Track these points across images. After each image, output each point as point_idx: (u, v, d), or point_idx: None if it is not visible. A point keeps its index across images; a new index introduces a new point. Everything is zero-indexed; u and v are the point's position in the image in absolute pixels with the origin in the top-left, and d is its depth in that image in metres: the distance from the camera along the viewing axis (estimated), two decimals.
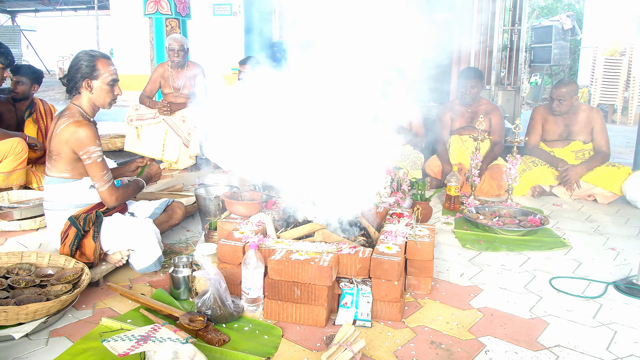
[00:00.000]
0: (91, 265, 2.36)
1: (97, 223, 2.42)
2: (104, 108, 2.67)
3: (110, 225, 2.46)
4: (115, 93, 2.62)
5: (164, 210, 2.86)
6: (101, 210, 2.50)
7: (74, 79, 2.52)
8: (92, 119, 2.60)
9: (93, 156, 2.42)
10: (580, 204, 3.98)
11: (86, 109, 2.57)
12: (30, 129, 4.10)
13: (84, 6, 21.47)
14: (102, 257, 2.45)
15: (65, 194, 2.52)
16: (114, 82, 2.59)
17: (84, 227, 2.38)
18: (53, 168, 2.51)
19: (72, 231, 2.38)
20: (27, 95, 4.08)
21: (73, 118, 2.45)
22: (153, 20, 6.24)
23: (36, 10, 23.05)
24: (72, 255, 2.36)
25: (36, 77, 4.09)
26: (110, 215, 2.52)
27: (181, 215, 2.96)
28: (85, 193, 2.54)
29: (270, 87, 2.75)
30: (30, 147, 3.75)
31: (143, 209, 2.81)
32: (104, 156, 2.54)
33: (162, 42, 6.19)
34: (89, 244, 2.38)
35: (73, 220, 2.40)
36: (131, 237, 2.44)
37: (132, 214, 2.73)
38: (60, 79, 2.61)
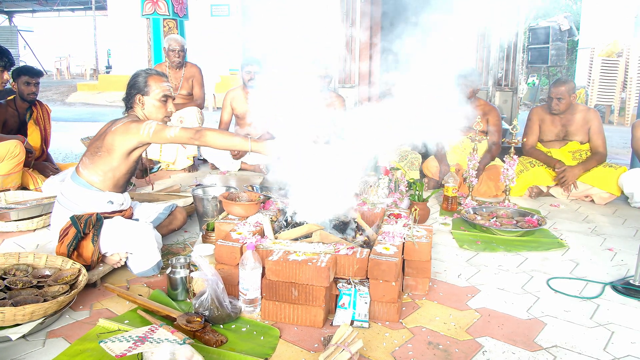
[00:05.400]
0: (88, 268, 2.33)
1: (98, 226, 2.40)
2: None
3: (110, 228, 2.44)
4: (169, 109, 2.67)
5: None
6: (103, 214, 2.49)
7: (128, 95, 2.63)
8: None
9: (152, 124, 2.47)
10: (577, 205, 3.99)
11: None
12: (33, 131, 4.09)
13: (82, 7, 21.47)
14: (100, 260, 2.43)
15: (83, 199, 2.53)
16: (166, 98, 2.64)
17: (84, 229, 2.36)
18: (91, 165, 2.53)
19: (72, 231, 2.36)
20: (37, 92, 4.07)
21: (132, 118, 2.57)
22: (150, 21, 6.23)
23: (33, 11, 23.04)
24: (69, 256, 2.34)
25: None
26: (111, 218, 2.51)
27: (182, 220, 2.98)
28: (103, 205, 2.55)
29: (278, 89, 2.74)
30: (26, 152, 3.73)
31: (147, 213, 2.81)
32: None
33: (159, 43, 6.19)
34: (87, 246, 2.36)
35: (74, 220, 2.38)
36: (130, 241, 2.43)
37: (137, 220, 2.70)
38: (123, 99, 2.69)
